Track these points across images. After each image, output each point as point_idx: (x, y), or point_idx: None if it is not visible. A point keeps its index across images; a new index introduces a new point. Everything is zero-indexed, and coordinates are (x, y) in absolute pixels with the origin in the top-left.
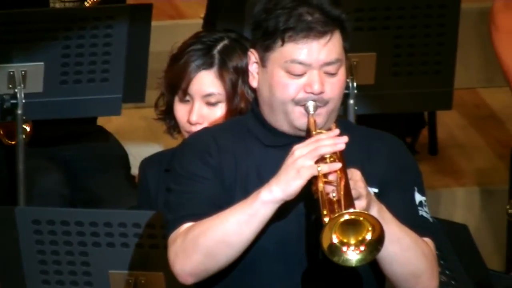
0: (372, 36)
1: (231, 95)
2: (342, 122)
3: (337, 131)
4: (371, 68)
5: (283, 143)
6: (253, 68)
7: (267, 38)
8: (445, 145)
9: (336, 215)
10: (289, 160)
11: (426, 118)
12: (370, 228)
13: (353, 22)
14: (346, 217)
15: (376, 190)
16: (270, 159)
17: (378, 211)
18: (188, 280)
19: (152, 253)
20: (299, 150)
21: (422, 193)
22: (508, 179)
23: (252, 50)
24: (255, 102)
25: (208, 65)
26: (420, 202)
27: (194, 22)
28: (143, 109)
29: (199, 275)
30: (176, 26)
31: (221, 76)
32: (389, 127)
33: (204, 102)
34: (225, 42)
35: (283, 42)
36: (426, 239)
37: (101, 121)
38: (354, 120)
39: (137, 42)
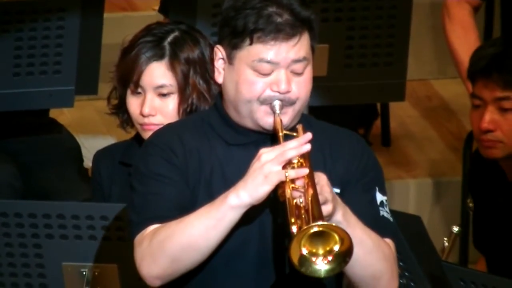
0: (325, 27)
1: (183, 86)
2: (305, 118)
3: (308, 135)
4: (323, 59)
5: (246, 141)
6: (219, 64)
7: (235, 37)
8: (398, 136)
9: (305, 227)
10: (256, 165)
11: (378, 110)
12: (338, 240)
13: None
14: (315, 229)
15: (338, 190)
16: (233, 158)
17: (343, 214)
18: (155, 282)
19: (105, 245)
20: (265, 154)
21: (383, 192)
22: (462, 171)
23: (218, 46)
24: (219, 97)
25: (159, 57)
26: (381, 202)
27: (146, 14)
28: (95, 101)
29: (166, 278)
30: (128, 18)
31: (172, 67)
32: (342, 119)
33: (156, 93)
34: (176, 33)
35: (252, 42)
36: (387, 240)
37: (54, 113)
38: (307, 112)
39: (89, 34)
